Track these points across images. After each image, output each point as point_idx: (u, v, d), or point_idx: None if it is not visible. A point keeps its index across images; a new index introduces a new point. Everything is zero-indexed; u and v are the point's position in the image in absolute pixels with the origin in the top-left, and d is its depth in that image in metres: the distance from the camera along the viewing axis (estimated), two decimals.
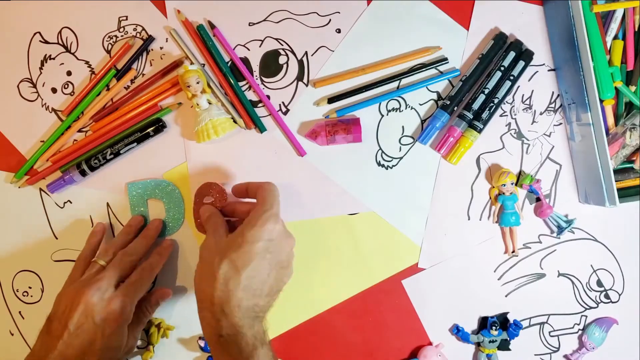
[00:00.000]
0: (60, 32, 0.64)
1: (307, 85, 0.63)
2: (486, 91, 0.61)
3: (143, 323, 0.60)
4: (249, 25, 0.63)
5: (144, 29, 0.64)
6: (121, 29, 0.64)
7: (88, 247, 0.61)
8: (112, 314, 0.52)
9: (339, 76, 0.63)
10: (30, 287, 0.65)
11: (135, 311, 0.55)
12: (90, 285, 0.53)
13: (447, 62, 0.62)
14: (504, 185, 0.61)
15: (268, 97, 0.63)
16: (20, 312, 0.66)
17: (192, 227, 0.63)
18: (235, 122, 0.62)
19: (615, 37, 0.60)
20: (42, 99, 0.64)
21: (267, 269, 0.50)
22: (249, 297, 0.49)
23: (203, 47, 0.63)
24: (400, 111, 0.63)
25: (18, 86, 0.65)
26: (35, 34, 0.64)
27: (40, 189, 0.65)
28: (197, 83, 0.59)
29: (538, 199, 0.63)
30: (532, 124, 0.63)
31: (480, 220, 0.63)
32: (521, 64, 0.61)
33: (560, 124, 0.63)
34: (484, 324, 0.63)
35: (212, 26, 0.63)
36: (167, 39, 0.64)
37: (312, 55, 0.63)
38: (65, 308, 0.52)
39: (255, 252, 0.49)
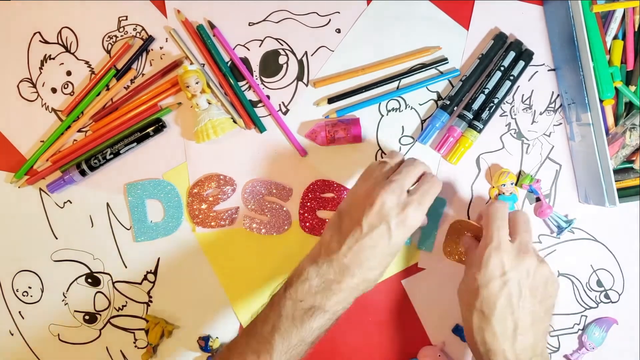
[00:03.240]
0: (60, 32, 0.64)
1: (307, 85, 0.63)
2: (486, 91, 0.61)
3: None
4: (249, 25, 0.63)
5: (144, 29, 0.64)
6: (121, 29, 0.64)
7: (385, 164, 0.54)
8: (405, 220, 0.48)
9: (339, 76, 0.63)
10: (30, 287, 0.65)
11: None
12: (386, 186, 0.49)
13: (447, 62, 0.62)
14: (504, 185, 0.61)
15: (268, 97, 0.63)
16: (20, 312, 0.66)
17: (191, 227, 0.64)
18: (235, 122, 0.62)
19: (615, 37, 0.60)
20: (42, 99, 0.64)
21: (517, 304, 0.48)
22: (511, 340, 0.48)
23: (203, 47, 0.63)
24: (400, 111, 0.63)
25: (18, 86, 0.65)
26: (35, 34, 0.64)
27: (40, 189, 0.65)
28: (197, 83, 0.59)
29: (538, 199, 0.63)
30: (532, 124, 0.63)
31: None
32: (521, 64, 0.61)
33: (560, 124, 0.63)
34: None
35: (212, 26, 0.63)
36: (167, 39, 0.64)
37: (312, 55, 0.63)
38: (359, 206, 0.49)
39: (493, 294, 0.48)
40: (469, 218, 0.63)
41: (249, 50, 0.63)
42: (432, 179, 0.52)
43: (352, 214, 0.49)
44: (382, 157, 0.52)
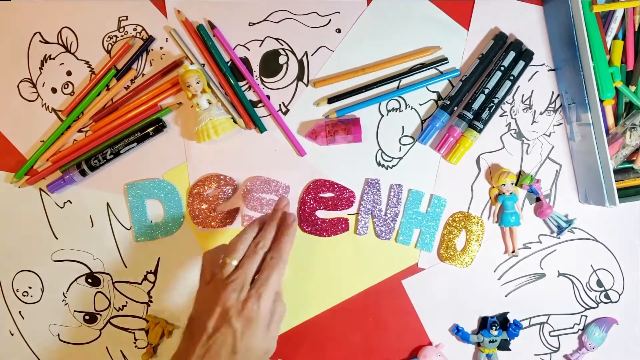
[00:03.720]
0: (60, 32, 0.64)
1: (307, 85, 0.63)
2: (486, 91, 0.61)
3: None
4: (249, 25, 0.63)
5: (144, 29, 0.64)
6: (121, 29, 0.64)
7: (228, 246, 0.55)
8: (249, 315, 0.48)
9: (339, 76, 0.63)
10: (30, 287, 0.65)
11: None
12: (225, 287, 0.49)
13: (447, 62, 0.62)
14: (504, 185, 0.61)
15: (268, 97, 0.63)
16: (20, 312, 0.66)
17: (191, 227, 0.64)
18: (235, 122, 0.62)
19: (615, 37, 0.60)
20: (42, 99, 0.64)
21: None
22: None
23: (203, 47, 0.63)
24: (400, 111, 0.63)
25: (18, 86, 0.65)
26: (35, 34, 0.64)
27: (40, 189, 0.65)
28: (197, 83, 0.59)
29: (538, 199, 0.63)
30: (532, 124, 0.63)
31: None
32: (521, 64, 0.61)
33: (560, 124, 0.63)
34: (484, 324, 0.63)
35: (212, 26, 0.63)
36: (167, 39, 0.64)
37: (312, 55, 0.63)
38: (203, 310, 0.50)
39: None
40: None
41: (249, 50, 0.63)
42: (272, 264, 0.51)
43: (200, 319, 0.50)
44: (227, 254, 0.52)
